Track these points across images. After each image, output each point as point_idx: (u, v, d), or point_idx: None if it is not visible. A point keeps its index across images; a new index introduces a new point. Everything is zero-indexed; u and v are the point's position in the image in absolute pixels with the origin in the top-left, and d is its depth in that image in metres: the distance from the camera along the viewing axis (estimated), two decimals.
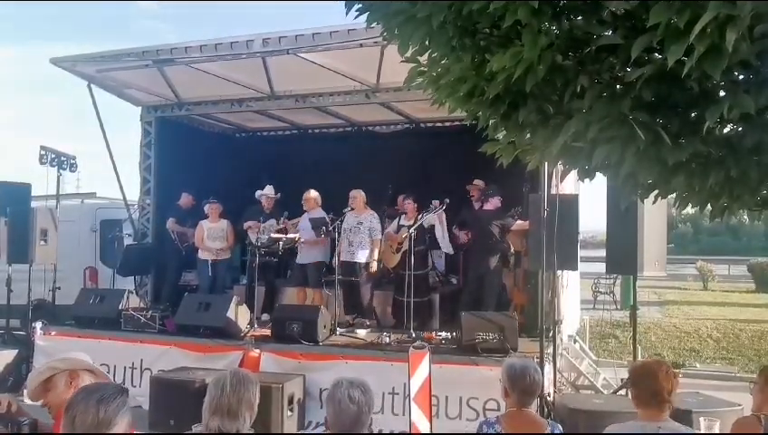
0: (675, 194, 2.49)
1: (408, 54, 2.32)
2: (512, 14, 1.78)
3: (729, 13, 1.46)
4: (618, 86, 1.97)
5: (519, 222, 7.72)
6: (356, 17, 2.36)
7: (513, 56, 1.84)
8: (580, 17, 1.88)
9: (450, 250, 8.48)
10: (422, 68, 2.43)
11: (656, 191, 2.41)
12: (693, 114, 1.96)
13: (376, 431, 6.14)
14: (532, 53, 1.81)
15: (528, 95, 2.08)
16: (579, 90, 1.99)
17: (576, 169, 2.46)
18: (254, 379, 2.71)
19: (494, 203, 7.98)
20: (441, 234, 8.17)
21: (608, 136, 1.94)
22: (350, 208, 8.13)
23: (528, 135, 2.32)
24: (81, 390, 2.27)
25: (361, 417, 2.55)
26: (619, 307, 13.72)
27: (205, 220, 9.00)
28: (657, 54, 1.91)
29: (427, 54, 2.34)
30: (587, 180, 2.61)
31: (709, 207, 2.39)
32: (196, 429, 2.66)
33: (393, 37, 2.23)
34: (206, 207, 9.02)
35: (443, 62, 2.25)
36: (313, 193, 8.68)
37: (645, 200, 2.50)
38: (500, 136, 2.63)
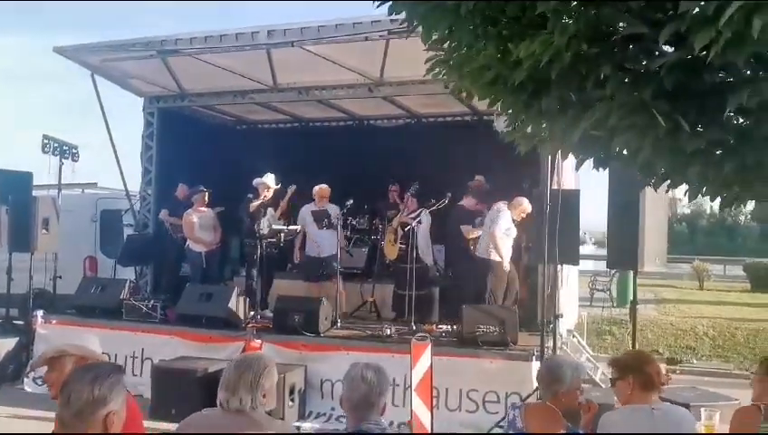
0: (685, 186, 2.53)
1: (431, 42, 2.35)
2: (543, 3, 1.82)
3: (758, 0, 1.50)
4: (640, 73, 2.01)
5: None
6: (378, 6, 2.40)
7: (542, 43, 1.88)
8: (605, 7, 1.92)
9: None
10: (442, 56, 2.47)
11: (668, 181, 2.46)
12: (711, 103, 2.00)
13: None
14: (561, 40, 1.86)
15: (551, 83, 2.13)
16: (601, 78, 2.03)
17: (591, 159, 2.50)
18: (264, 365, 2.63)
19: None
20: (425, 242, 8.17)
21: (627, 124, 1.99)
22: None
23: (546, 124, 2.36)
24: (75, 369, 2.32)
25: (371, 397, 2.60)
26: (615, 305, 13.80)
27: (191, 210, 8.72)
28: (671, 47, 1.96)
29: (446, 44, 2.39)
30: (592, 172, 2.66)
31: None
32: None
33: (417, 25, 2.27)
34: (196, 196, 8.75)
35: (462, 50, 2.29)
36: (323, 187, 8.65)
37: (646, 197, 2.56)
38: (512, 127, 2.67)
